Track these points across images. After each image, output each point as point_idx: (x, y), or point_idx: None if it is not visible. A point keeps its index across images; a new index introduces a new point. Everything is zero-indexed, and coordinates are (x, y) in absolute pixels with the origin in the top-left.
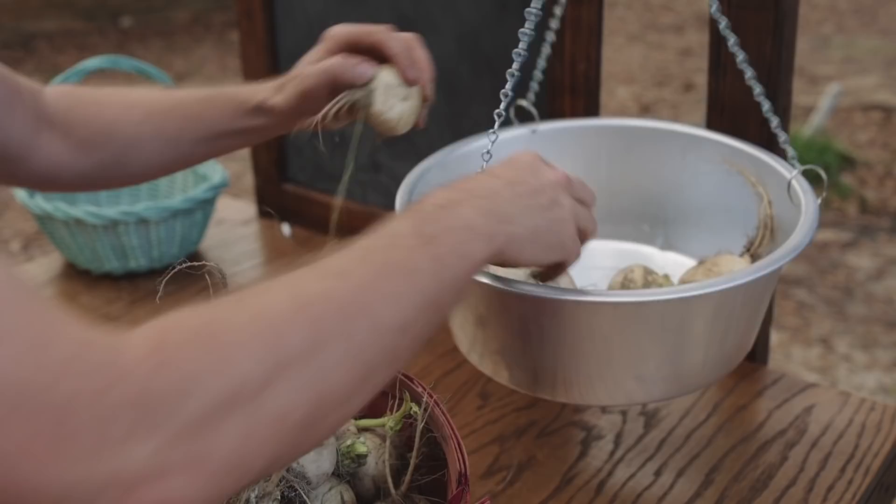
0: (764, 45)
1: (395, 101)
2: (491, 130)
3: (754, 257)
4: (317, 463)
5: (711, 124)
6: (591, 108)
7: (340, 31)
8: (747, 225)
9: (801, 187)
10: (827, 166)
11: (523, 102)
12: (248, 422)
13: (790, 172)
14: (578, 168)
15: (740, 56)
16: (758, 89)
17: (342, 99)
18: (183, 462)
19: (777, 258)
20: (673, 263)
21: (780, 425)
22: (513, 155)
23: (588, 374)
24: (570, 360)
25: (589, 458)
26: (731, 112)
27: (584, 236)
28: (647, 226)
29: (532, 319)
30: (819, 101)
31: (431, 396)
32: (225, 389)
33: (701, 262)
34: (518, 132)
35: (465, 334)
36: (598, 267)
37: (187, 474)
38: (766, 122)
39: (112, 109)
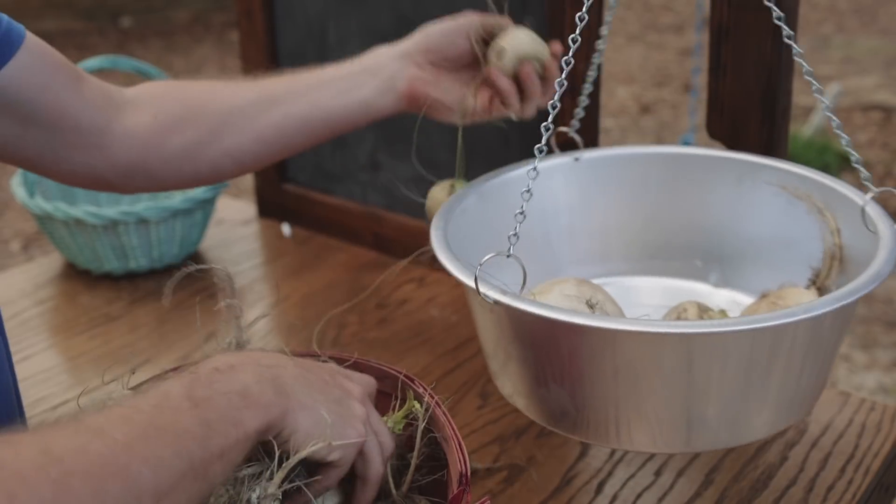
0: (764, 45)
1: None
2: (531, 167)
3: (821, 290)
4: None
5: (711, 124)
6: (591, 107)
7: (473, 17)
8: (811, 257)
9: (874, 213)
10: (827, 166)
11: (566, 129)
12: None
13: (860, 198)
14: (624, 197)
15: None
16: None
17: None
18: None
19: (860, 286)
20: (728, 301)
21: None
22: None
23: (642, 414)
24: (623, 399)
25: (589, 458)
26: (731, 112)
27: (376, 453)
28: (700, 261)
29: (578, 352)
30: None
31: (432, 397)
32: None
33: (763, 296)
34: (560, 161)
35: (501, 370)
36: (643, 305)
37: None
38: (766, 122)
39: (215, 89)
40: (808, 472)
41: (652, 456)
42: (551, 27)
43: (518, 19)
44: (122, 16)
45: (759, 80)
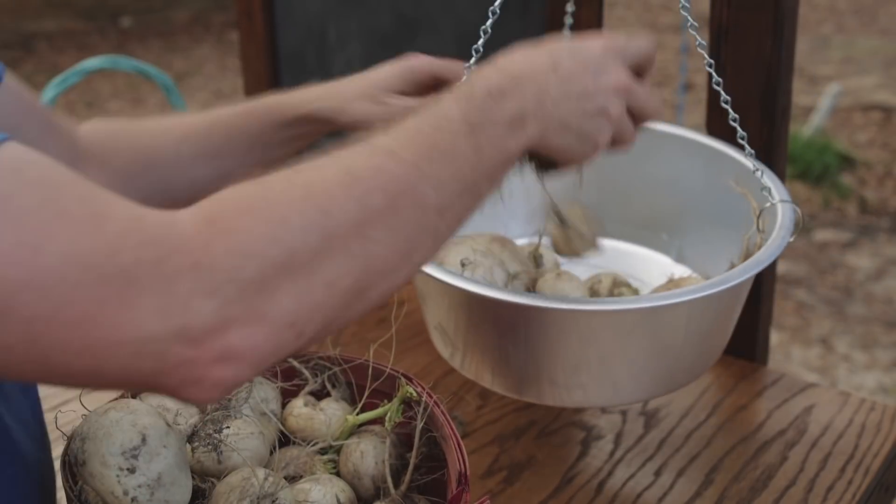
0: (764, 45)
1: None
2: (466, 65)
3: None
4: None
5: (711, 124)
6: None
7: (423, 62)
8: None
9: (781, 217)
10: (827, 166)
11: None
12: (301, 285)
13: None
14: (605, 164)
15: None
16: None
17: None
18: (244, 317)
19: (717, 283)
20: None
21: (779, 425)
22: (585, 41)
23: (566, 376)
24: (552, 364)
25: (589, 458)
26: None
27: (617, 142)
28: (666, 235)
29: (516, 325)
30: (819, 101)
31: (431, 396)
32: (279, 256)
33: (670, 280)
34: None
35: (446, 339)
36: (600, 267)
37: (248, 327)
38: (766, 122)
39: (147, 135)
40: (808, 472)
41: (652, 456)
42: (551, 27)
43: (517, 19)
44: (122, 16)
45: (759, 80)
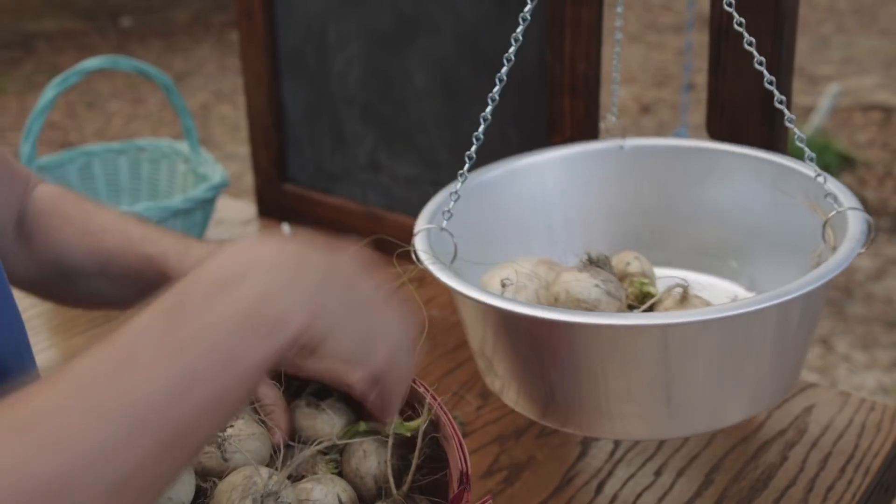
0: (764, 45)
1: None
2: (460, 172)
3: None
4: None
5: (711, 124)
6: (591, 108)
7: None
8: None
9: (851, 227)
10: (827, 166)
11: (610, 116)
12: None
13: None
14: (664, 190)
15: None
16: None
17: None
18: None
19: (791, 290)
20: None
21: (779, 425)
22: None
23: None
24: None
25: (589, 458)
26: (730, 112)
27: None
28: (735, 262)
29: (546, 344)
30: (819, 101)
31: (434, 399)
32: None
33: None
34: (605, 146)
35: (487, 367)
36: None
37: None
38: (766, 122)
39: (69, 231)
40: (808, 472)
41: (652, 456)
42: (551, 27)
43: (517, 19)
44: (122, 16)
45: (759, 80)
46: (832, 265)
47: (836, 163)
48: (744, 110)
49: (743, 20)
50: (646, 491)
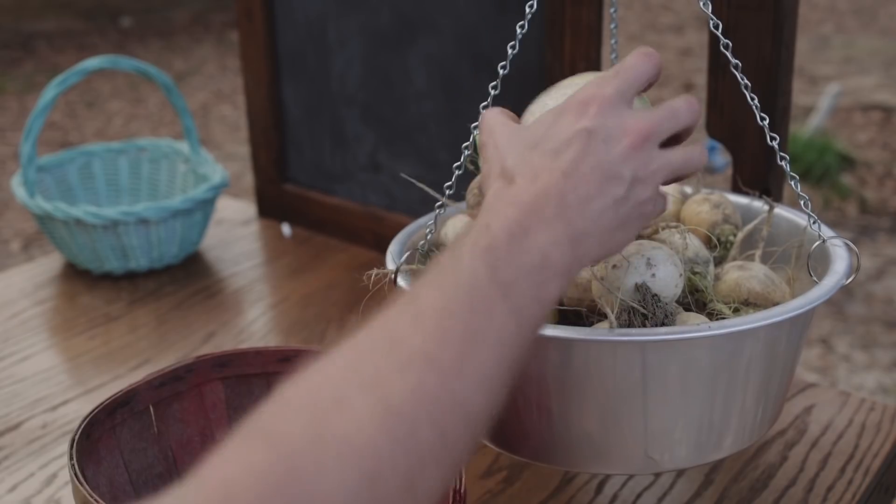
0: (764, 45)
1: None
2: (439, 204)
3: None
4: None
5: (711, 124)
6: None
7: None
8: None
9: (834, 257)
10: (827, 166)
11: None
12: None
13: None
14: None
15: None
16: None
17: None
18: None
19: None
20: None
21: (779, 425)
22: (571, 106)
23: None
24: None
25: None
26: (730, 112)
27: (676, 179)
28: None
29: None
30: (819, 101)
31: None
32: None
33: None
34: None
35: None
36: None
37: None
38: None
39: None
40: (808, 472)
41: None
42: (551, 27)
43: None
44: (122, 16)
45: (759, 80)
46: (820, 292)
47: (836, 163)
48: (744, 110)
49: (729, 42)
50: (645, 491)
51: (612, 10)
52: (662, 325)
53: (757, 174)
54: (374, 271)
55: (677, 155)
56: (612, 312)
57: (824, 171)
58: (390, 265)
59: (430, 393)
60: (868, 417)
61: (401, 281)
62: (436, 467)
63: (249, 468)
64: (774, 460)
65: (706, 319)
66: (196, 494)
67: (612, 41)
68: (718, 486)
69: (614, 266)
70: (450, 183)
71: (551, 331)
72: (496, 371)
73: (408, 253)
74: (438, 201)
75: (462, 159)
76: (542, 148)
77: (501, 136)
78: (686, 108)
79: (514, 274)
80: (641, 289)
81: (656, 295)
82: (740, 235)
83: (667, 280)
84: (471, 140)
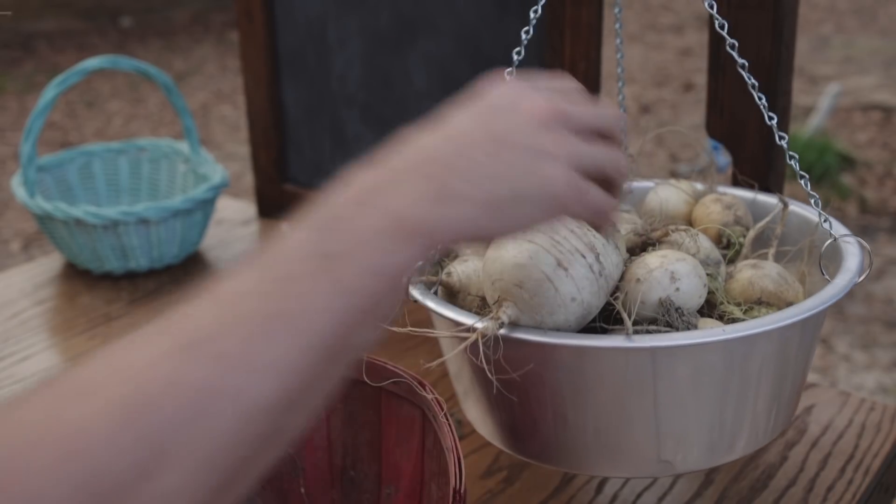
0: (764, 45)
1: None
2: None
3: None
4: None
5: (711, 124)
6: None
7: None
8: None
9: (845, 255)
10: (827, 166)
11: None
12: None
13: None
14: None
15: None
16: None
17: None
18: None
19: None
20: None
21: None
22: (480, 96)
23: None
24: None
25: None
26: (730, 112)
27: (605, 179)
28: None
29: (520, 366)
30: (819, 101)
31: (439, 404)
32: None
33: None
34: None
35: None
36: None
37: None
38: (765, 123)
39: None
40: (808, 472)
41: None
42: (551, 27)
43: (517, 20)
44: (122, 16)
45: (759, 80)
46: (834, 290)
47: (836, 163)
48: (743, 110)
49: (736, 42)
50: (646, 491)
51: (616, 10)
52: None
53: (757, 174)
54: None
55: (597, 147)
56: (630, 320)
57: (824, 171)
58: None
59: (186, 384)
60: (868, 417)
61: (413, 293)
62: (190, 472)
63: None
64: (774, 460)
65: (719, 324)
66: None
67: (618, 41)
68: (718, 486)
69: (638, 280)
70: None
71: (565, 339)
72: (304, 357)
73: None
74: None
75: None
76: (434, 129)
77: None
78: (606, 107)
79: (348, 242)
80: (665, 303)
81: (680, 308)
82: (751, 235)
83: (691, 292)
84: None
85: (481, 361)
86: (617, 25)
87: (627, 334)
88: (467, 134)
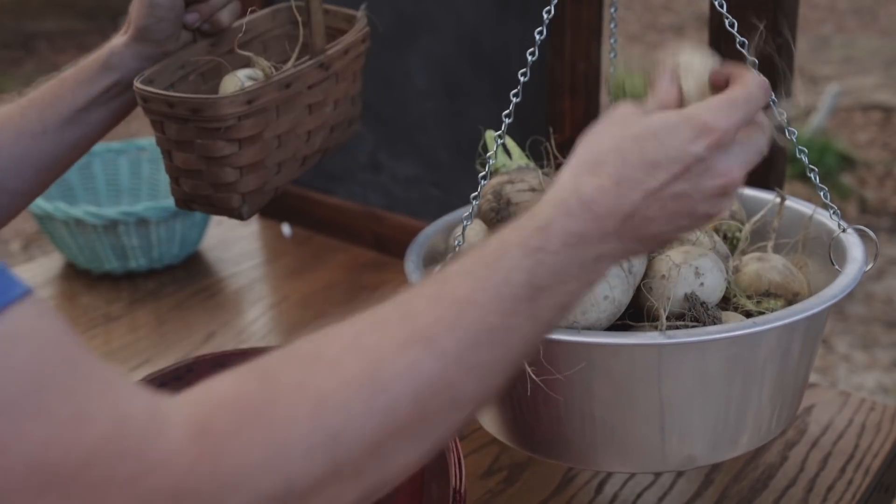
0: (764, 45)
1: None
2: (465, 216)
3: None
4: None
5: None
6: (591, 108)
7: None
8: None
9: (849, 245)
10: (827, 166)
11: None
12: None
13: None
14: None
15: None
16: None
17: None
18: None
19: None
20: None
21: None
22: (691, 124)
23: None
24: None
25: None
26: None
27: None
28: None
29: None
30: (819, 101)
31: None
32: (272, 488)
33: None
34: None
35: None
36: None
37: None
38: None
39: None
40: (808, 472)
41: None
42: (551, 27)
43: (517, 20)
44: (122, 16)
45: None
46: (836, 289)
47: (836, 163)
48: None
49: (745, 40)
50: (646, 491)
51: (612, 9)
52: None
53: (757, 173)
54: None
55: (754, 146)
56: (664, 316)
57: (824, 172)
58: (413, 277)
59: (423, 374)
60: (868, 417)
61: None
62: (410, 442)
63: (237, 397)
64: (774, 460)
65: (741, 317)
66: (187, 402)
67: (612, 40)
68: (718, 486)
69: (662, 276)
70: (476, 193)
71: (600, 338)
72: (499, 367)
73: (437, 267)
74: (436, 202)
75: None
76: (644, 155)
77: (615, 125)
78: (762, 92)
79: (550, 280)
80: (691, 298)
81: (705, 303)
82: (747, 229)
83: (714, 286)
84: (482, 141)
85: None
86: (612, 25)
87: (661, 330)
88: (664, 192)
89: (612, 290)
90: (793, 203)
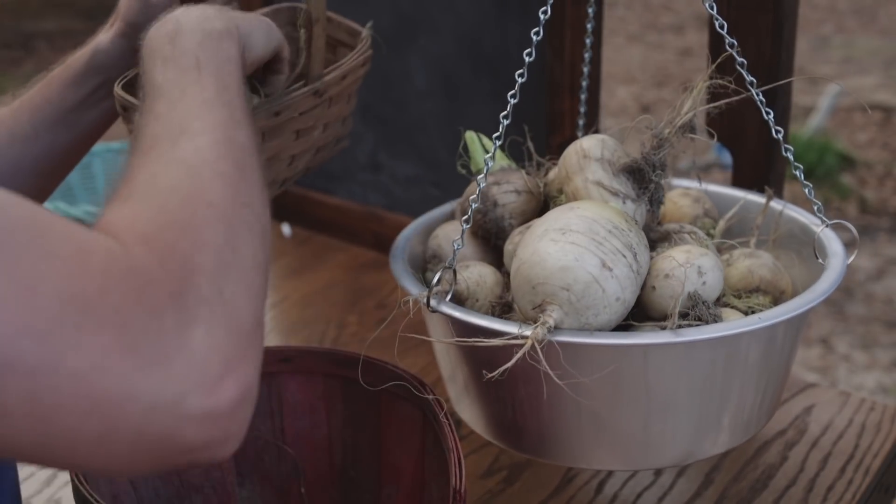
0: (764, 45)
1: None
2: (465, 217)
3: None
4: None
5: (711, 125)
6: (591, 108)
7: None
8: None
9: (828, 240)
10: (827, 166)
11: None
12: (241, 277)
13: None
14: None
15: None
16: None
17: None
18: (232, 345)
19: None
20: None
21: (779, 425)
22: None
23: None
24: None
25: None
26: (730, 113)
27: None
28: None
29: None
30: (819, 101)
31: (440, 406)
32: (212, 261)
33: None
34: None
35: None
36: None
37: (247, 361)
38: (764, 123)
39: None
40: (808, 472)
41: None
42: (551, 27)
43: (517, 20)
44: None
45: (759, 80)
46: (827, 283)
47: (836, 163)
48: (744, 111)
49: (735, 41)
50: (646, 491)
51: (589, 8)
52: None
53: (757, 173)
54: (407, 298)
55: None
56: (675, 315)
57: (824, 172)
58: (412, 289)
59: (241, 140)
60: (868, 417)
61: (433, 303)
62: (248, 188)
63: (140, 214)
64: (774, 460)
65: (739, 315)
66: (122, 235)
67: (588, 40)
68: (718, 486)
69: (666, 275)
70: (474, 196)
71: (610, 339)
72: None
73: (438, 273)
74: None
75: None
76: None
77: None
78: None
79: (201, 55)
80: (694, 297)
81: (706, 301)
82: (720, 226)
83: (714, 286)
84: (462, 143)
85: (543, 367)
86: (589, 26)
87: (672, 329)
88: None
89: (624, 291)
90: (761, 201)
